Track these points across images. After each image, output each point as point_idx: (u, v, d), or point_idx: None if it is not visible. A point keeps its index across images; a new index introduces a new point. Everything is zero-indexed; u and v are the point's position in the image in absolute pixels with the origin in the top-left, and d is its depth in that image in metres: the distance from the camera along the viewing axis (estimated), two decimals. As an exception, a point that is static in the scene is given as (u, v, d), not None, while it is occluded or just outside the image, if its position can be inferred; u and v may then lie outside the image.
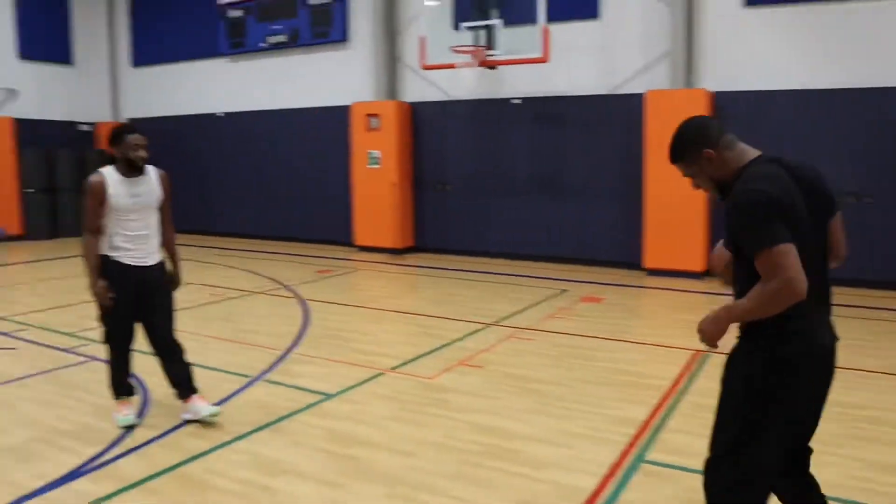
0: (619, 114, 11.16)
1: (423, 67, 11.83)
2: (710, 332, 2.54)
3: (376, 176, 13.13)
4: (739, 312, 2.45)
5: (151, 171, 4.76)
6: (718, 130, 2.62)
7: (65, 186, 15.96)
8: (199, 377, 5.72)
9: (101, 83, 17.38)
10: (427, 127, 13.10)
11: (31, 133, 15.49)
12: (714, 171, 2.61)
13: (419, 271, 11.57)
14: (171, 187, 4.84)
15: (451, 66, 11.18)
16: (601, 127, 11.36)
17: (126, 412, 4.85)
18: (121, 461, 4.31)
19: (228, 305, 8.75)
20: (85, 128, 16.91)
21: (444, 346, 6.84)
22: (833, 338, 2.59)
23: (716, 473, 2.60)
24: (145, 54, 17.02)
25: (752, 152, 2.60)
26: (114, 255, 4.61)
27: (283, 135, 14.81)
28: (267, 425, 4.83)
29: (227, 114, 15.65)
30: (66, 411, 5.15)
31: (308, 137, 14.47)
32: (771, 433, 2.49)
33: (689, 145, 2.63)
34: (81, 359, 6.43)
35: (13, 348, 6.84)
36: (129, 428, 4.79)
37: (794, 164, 2.55)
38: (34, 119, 15.69)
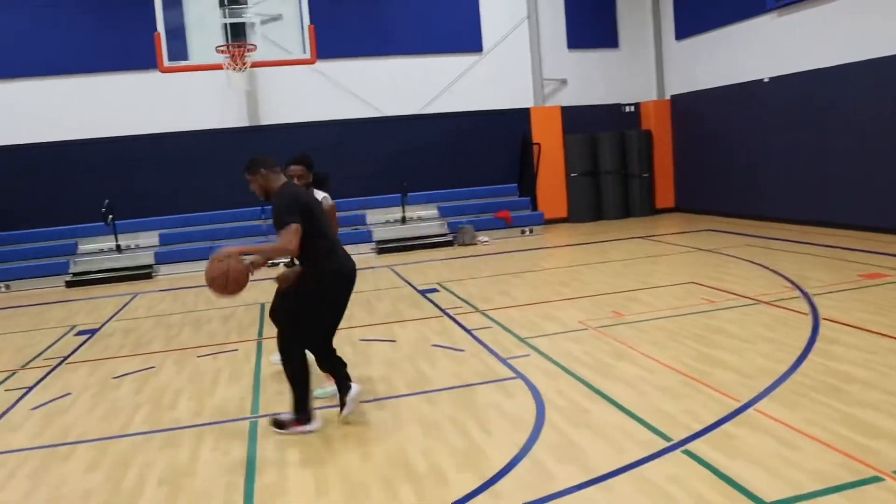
0: None
1: None
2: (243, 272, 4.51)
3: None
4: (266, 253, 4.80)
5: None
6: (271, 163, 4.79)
7: (606, 169, 15.92)
8: (609, 422, 4.35)
9: (644, 62, 16.81)
10: None
11: (575, 119, 15.86)
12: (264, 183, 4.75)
13: None
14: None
15: None
16: None
17: (329, 385, 5.32)
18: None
19: (713, 318, 6.96)
20: (628, 109, 16.57)
21: None
22: (351, 267, 4.86)
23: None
24: (688, 25, 15.74)
25: (283, 180, 4.81)
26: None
27: (836, 96, 11.82)
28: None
29: (772, 78, 13.30)
30: (441, 444, 4.38)
31: (870, 96, 11.20)
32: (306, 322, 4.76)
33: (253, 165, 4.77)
34: (507, 375, 5.65)
35: (461, 350, 6.48)
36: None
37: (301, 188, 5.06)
38: (578, 105, 16.02)
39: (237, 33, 9.70)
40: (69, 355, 7.50)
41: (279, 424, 4.79)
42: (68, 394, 6.13)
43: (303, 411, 4.75)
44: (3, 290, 12.36)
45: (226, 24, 9.60)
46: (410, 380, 5.73)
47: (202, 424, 5.12)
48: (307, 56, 10.07)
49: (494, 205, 15.08)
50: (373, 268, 11.99)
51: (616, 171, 16.04)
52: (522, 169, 16.02)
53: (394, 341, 6.96)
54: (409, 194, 14.72)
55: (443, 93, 15.52)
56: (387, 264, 12.27)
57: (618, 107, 16.55)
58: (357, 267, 4.93)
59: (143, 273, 12.75)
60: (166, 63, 9.50)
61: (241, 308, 9.33)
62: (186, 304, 9.97)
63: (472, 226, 14.18)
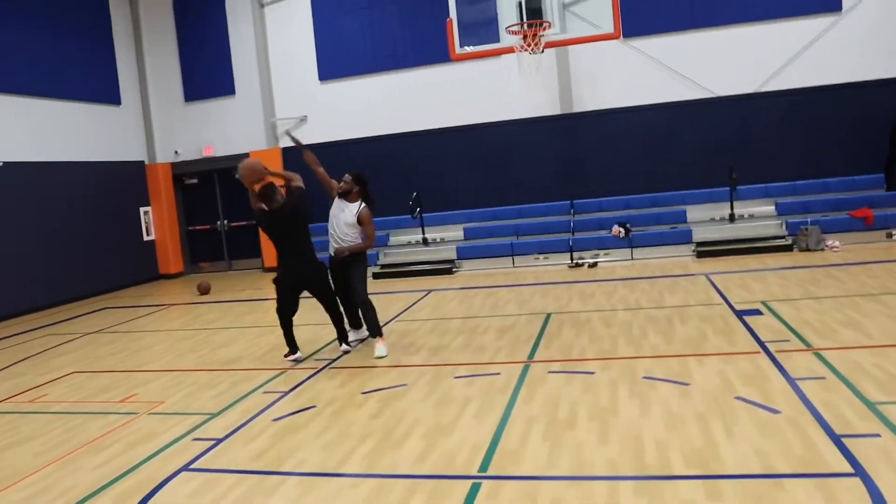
0: None
1: None
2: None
3: None
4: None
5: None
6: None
7: None
8: None
9: None
10: None
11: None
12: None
13: None
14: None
15: None
16: None
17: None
18: None
19: None
20: None
21: None
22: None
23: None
24: None
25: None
26: None
27: None
28: None
29: None
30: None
31: None
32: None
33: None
34: (838, 467, 3.82)
35: (775, 411, 4.71)
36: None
37: None
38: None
39: (532, 13, 8.69)
40: (337, 358, 7.23)
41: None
42: (313, 406, 5.72)
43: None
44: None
45: (520, 3, 8.65)
46: (691, 451, 4.18)
47: (418, 476, 4.21)
48: (610, 31, 8.71)
49: (851, 201, 12.14)
50: (687, 275, 10.26)
51: None
52: (892, 156, 12.69)
53: (686, 384, 5.39)
54: (739, 187, 12.57)
55: (787, 66, 12.89)
56: (704, 271, 10.43)
57: None
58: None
59: (444, 268, 12.55)
60: (458, 50, 8.89)
61: (525, 317, 8.41)
62: (471, 308, 9.35)
63: (819, 227, 11.54)
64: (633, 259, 12.12)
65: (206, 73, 15.94)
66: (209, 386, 6.70)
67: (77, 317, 11.94)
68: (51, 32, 13.83)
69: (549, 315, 8.42)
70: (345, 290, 7.39)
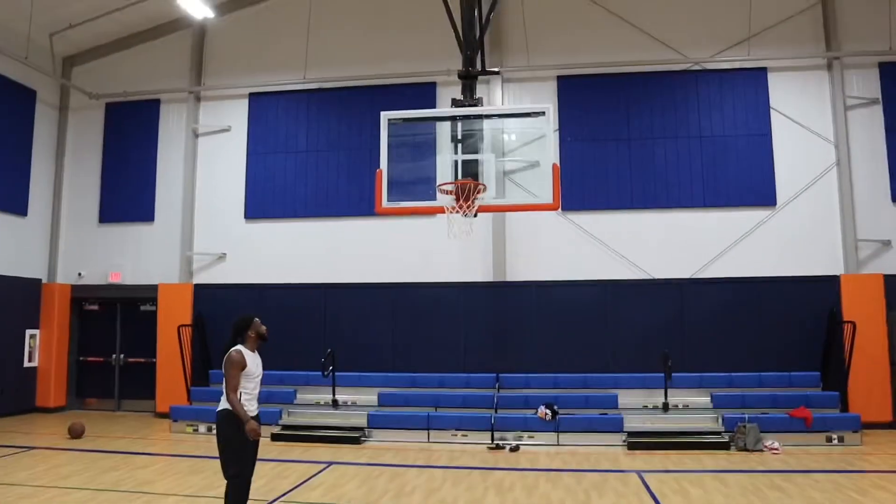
0: None
1: None
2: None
3: None
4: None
5: None
6: None
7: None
8: None
9: None
10: None
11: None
12: None
13: None
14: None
15: None
16: None
17: None
18: None
19: None
20: None
21: None
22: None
23: None
24: None
25: None
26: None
27: None
28: None
29: None
30: None
31: None
32: None
33: None
34: None
35: None
36: None
37: None
38: (912, 275, 12.28)
39: (467, 174, 8.16)
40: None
41: None
42: None
43: None
44: (199, 430, 11.72)
45: (456, 162, 8.15)
46: None
47: None
48: (549, 201, 8.18)
49: (787, 398, 11.56)
50: (617, 471, 9.26)
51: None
52: (827, 354, 12.33)
53: None
54: (674, 375, 11.86)
55: (722, 254, 12.76)
56: (636, 468, 9.46)
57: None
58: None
59: (352, 437, 11.26)
60: (384, 203, 8.20)
61: (430, 513, 7.19)
62: (371, 493, 8.09)
63: (757, 425, 10.82)
64: (559, 444, 11.09)
65: (127, 195, 15.03)
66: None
67: (-88, 457, 10.12)
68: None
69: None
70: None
